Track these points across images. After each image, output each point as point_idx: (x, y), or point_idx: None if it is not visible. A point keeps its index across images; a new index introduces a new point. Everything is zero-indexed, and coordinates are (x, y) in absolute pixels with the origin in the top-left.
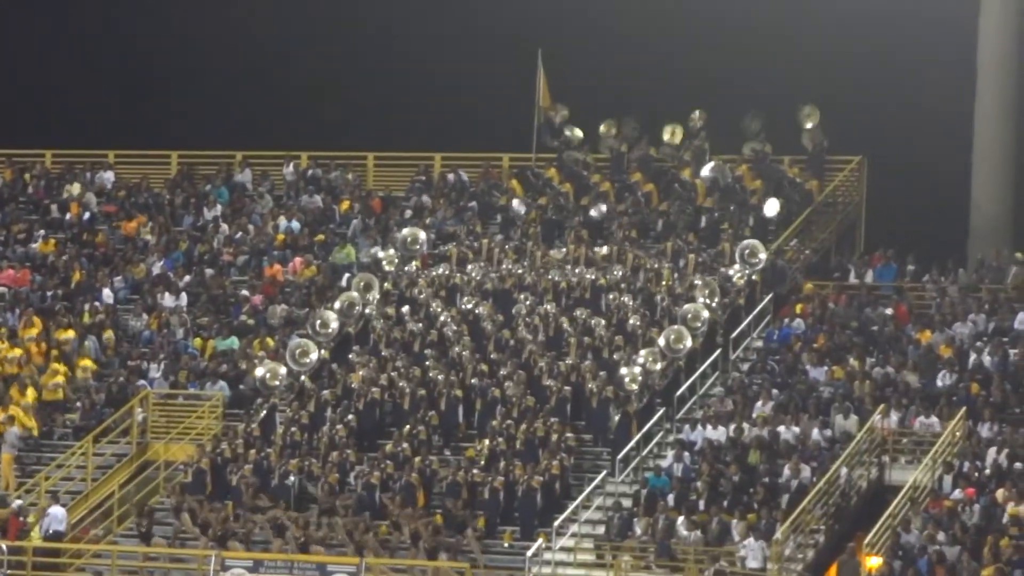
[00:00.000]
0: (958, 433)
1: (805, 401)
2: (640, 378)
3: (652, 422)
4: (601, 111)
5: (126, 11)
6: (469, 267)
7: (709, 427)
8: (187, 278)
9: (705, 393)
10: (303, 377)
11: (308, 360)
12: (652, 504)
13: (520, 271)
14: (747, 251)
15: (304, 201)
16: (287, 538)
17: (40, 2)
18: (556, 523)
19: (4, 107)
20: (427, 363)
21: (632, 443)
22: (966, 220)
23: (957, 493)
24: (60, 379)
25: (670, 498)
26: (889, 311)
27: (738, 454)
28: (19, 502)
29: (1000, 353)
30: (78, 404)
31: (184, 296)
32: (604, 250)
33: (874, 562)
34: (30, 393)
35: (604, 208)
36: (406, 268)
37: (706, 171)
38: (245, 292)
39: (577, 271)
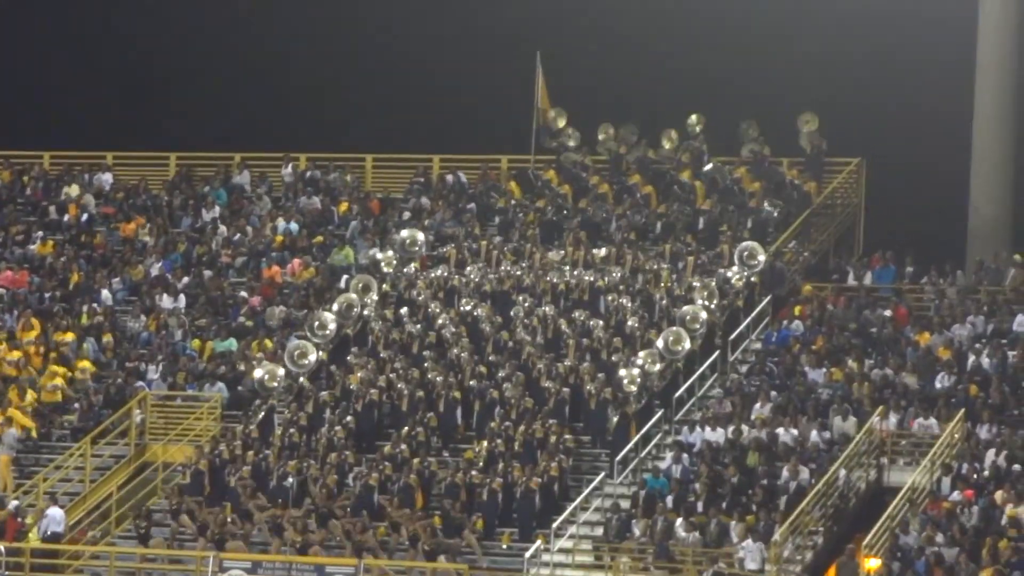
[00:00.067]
0: (957, 435)
1: (804, 403)
2: (639, 380)
3: (651, 424)
4: (600, 113)
5: (125, 12)
6: (468, 269)
7: (708, 429)
8: (185, 279)
9: (704, 395)
10: (301, 378)
11: (306, 361)
12: (651, 505)
13: (519, 273)
14: (746, 253)
15: (303, 203)
16: (285, 539)
17: (39, 2)
18: (555, 524)
19: (2, 108)
20: (426, 364)
21: (631, 445)
22: (965, 222)
23: (956, 495)
24: (59, 381)
25: (669, 499)
26: (888, 313)
27: (737, 456)
28: (16, 502)
29: (999, 355)
30: (76, 405)
31: (182, 298)
32: (603, 252)
33: (873, 564)
34: (29, 396)
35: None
36: (405, 270)
37: (707, 167)
38: (243, 293)
39: (576, 273)
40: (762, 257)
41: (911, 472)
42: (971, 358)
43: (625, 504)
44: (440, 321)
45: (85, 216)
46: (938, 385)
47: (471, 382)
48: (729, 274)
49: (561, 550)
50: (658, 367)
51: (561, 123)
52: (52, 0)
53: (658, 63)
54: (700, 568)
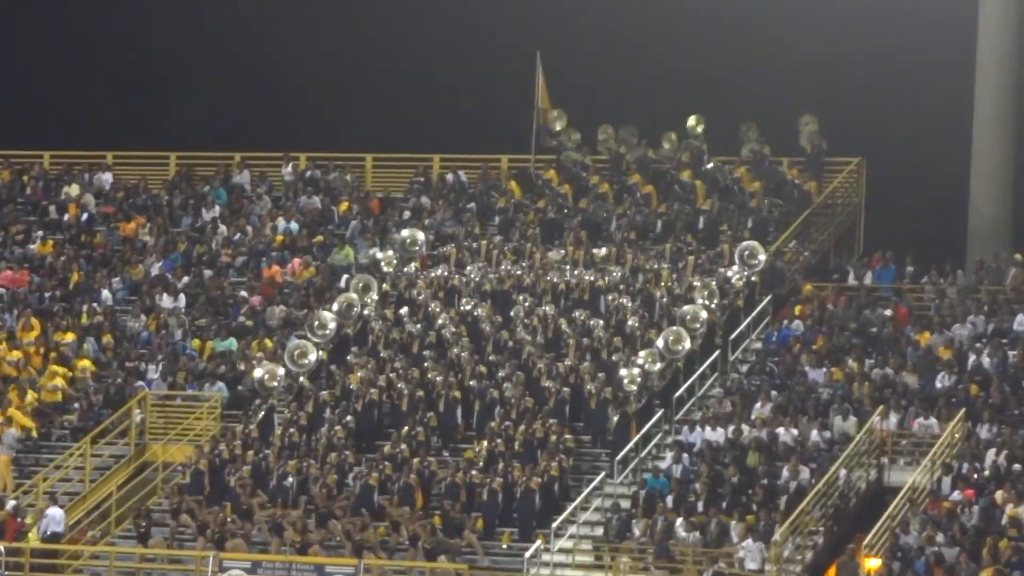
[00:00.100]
0: (957, 434)
1: (804, 402)
2: (639, 379)
3: (651, 423)
4: (600, 113)
5: (125, 12)
6: (468, 268)
7: (708, 428)
8: (185, 279)
9: (704, 394)
10: (301, 378)
11: (306, 361)
12: (651, 505)
13: (519, 272)
14: (746, 252)
15: (303, 202)
16: (285, 539)
17: (39, 2)
18: (555, 524)
19: (2, 108)
20: (426, 364)
21: (631, 444)
22: (965, 222)
23: (956, 494)
24: (59, 381)
25: (669, 499)
26: (888, 312)
27: (737, 455)
28: (14, 502)
29: (999, 354)
30: (76, 405)
31: (182, 297)
32: (603, 251)
33: (873, 563)
34: (29, 396)
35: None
36: (405, 269)
37: (709, 165)
38: (243, 293)
39: (576, 272)
40: (762, 257)
41: (911, 472)
42: (971, 358)
43: (625, 504)
44: (440, 321)
45: (85, 216)
46: (938, 385)
47: (471, 382)
48: (729, 274)
49: (561, 550)
50: (658, 367)
51: (560, 126)
52: (52, 0)
53: (658, 63)
54: (700, 568)
